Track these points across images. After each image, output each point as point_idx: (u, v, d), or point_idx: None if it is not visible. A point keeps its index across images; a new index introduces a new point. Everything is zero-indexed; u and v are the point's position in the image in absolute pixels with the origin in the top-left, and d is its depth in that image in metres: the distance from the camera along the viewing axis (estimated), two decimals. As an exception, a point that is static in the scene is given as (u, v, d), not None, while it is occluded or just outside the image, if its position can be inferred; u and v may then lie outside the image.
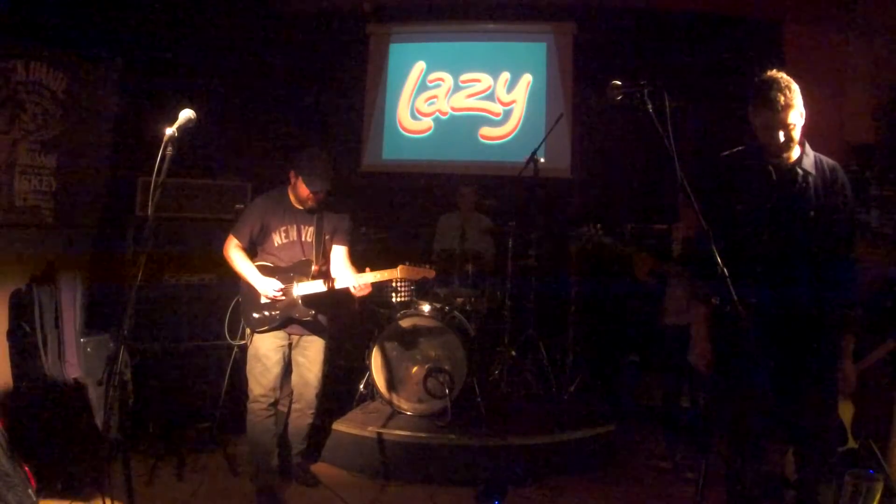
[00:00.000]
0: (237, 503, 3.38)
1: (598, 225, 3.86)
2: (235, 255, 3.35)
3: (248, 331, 3.42)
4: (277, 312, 3.32)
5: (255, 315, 3.34)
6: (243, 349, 3.47)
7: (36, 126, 4.14)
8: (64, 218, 4.37)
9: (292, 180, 3.35)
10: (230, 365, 3.66)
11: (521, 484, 3.61)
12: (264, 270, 3.34)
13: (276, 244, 3.40)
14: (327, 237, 3.46)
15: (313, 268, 3.37)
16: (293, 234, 3.41)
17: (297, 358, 3.48)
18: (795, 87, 2.32)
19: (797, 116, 2.33)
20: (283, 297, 3.29)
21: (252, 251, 3.43)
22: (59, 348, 3.73)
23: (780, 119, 2.30)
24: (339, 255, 3.50)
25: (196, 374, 4.14)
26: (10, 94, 3.96)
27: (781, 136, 2.32)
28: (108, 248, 4.44)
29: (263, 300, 3.31)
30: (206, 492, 3.47)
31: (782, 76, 2.33)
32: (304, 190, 3.28)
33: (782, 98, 2.27)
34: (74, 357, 3.75)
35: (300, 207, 3.39)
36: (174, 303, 4.22)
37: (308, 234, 3.42)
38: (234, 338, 3.62)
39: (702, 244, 2.16)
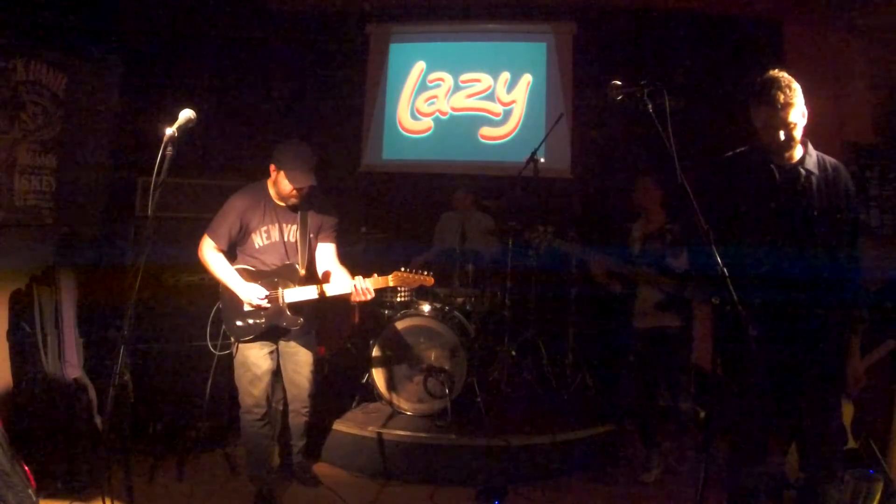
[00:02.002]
0: (237, 503, 3.38)
1: (550, 228, 3.75)
2: (213, 258, 3.10)
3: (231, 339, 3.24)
4: (263, 321, 3.11)
5: (239, 323, 3.13)
6: (227, 357, 3.35)
7: (36, 126, 4.14)
8: (64, 218, 4.37)
9: (273, 175, 3.09)
10: (212, 371, 3.59)
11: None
12: (245, 275, 3.12)
13: (256, 246, 3.16)
14: (312, 236, 3.23)
15: (300, 272, 3.15)
16: (275, 235, 3.17)
17: (286, 363, 3.33)
18: (796, 86, 2.32)
19: (798, 115, 2.33)
20: (269, 305, 3.08)
21: (231, 253, 3.21)
22: (59, 348, 3.72)
23: (781, 117, 2.30)
24: (326, 253, 3.27)
25: (196, 374, 4.13)
26: (10, 94, 3.96)
27: (782, 134, 2.32)
28: (108, 248, 4.44)
29: (247, 307, 3.10)
30: (205, 492, 3.47)
31: (783, 75, 2.33)
32: (286, 186, 3.04)
33: (782, 96, 2.28)
34: (74, 357, 3.75)
35: (282, 204, 3.16)
36: (174, 303, 4.21)
37: (291, 233, 3.19)
38: (214, 342, 3.39)
39: (702, 245, 2.15)
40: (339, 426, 3.93)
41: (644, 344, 3.68)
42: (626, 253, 3.72)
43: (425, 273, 3.14)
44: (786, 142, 2.34)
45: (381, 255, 5.07)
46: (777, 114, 2.30)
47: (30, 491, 2.88)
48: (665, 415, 3.79)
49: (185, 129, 2.27)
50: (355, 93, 6.30)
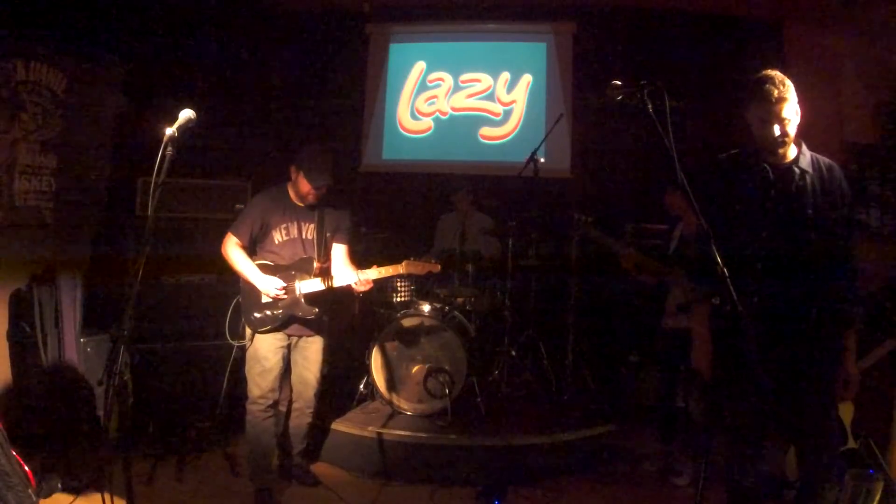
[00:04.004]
0: (237, 503, 3.38)
1: (589, 219, 3.91)
2: (235, 253, 3.31)
3: (248, 331, 3.38)
4: (280, 311, 3.30)
5: (257, 315, 3.31)
6: (243, 349, 3.44)
7: (36, 126, 4.14)
8: (64, 218, 4.37)
9: (293, 176, 3.32)
10: (230, 364, 3.64)
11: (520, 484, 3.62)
12: (265, 269, 3.31)
13: (276, 241, 3.37)
14: (328, 234, 3.44)
15: (315, 265, 3.34)
16: (294, 232, 3.37)
17: (296, 358, 3.46)
18: (790, 83, 2.34)
19: (792, 112, 2.34)
20: (286, 296, 3.27)
21: (251, 249, 3.40)
22: (59, 348, 3.73)
23: (775, 111, 2.31)
24: (339, 253, 3.47)
25: (196, 374, 4.13)
26: (10, 94, 3.96)
27: (776, 129, 2.33)
28: (108, 248, 4.44)
29: (265, 299, 3.28)
30: (206, 492, 3.47)
31: (777, 73, 2.35)
32: (304, 185, 3.26)
33: (776, 91, 2.30)
34: (74, 357, 3.75)
35: (300, 204, 3.37)
36: (174, 303, 4.21)
37: (309, 231, 3.39)
38: (234, 338, 3.56)
39: (701, 244, 2.16)
40: (339, 426, 3.93)
41: (669, 344, 3.70)
42: (661, 251, 3.82)
43: (433, 260, 3.37)
44: (780, 137, 2.34)
45: (382, 255, 5.07)
46: (771, 108, 2.31)
47: (30, 491, 2.88)
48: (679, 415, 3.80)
49: (185, 129, 2.27)
50: (355, 93, 6.30)
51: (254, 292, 3.29)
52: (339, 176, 3.38)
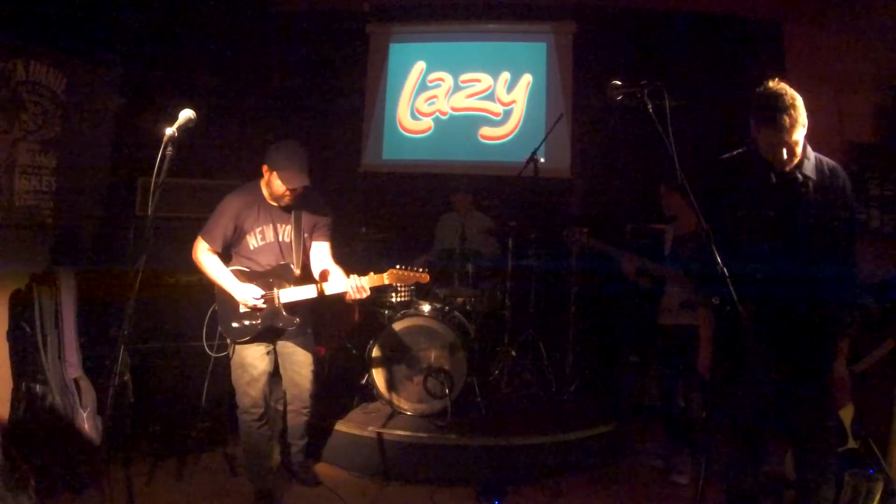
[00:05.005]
0: (237, 503, 3.38)
1: (585, 229, 3.95)
2: (208, 260, 3.11)
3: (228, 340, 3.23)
4: (259, 322, 3.11)
5: (235, 325, 3.13)
6: (223, 358, 3.33)
7: (36, 126, 4.14)
8: (64, 218, 4.37)
9: (266, 175, 3.09)
10: (209, 369, 3.55)
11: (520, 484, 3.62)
12: (240, 276, 3.12)
13: (251, 247, 3.16)
14: (306, 235, 3.24)
15: (295, 272, 3.15)
16: (270, 235, 3.17)
17: (285, 363, 3.33)
18: (800, 101, 2.28)
19: (801, 132, 2.31)
20: (265, 306, 3.09)
21: (225, 254, 3.20)
22: (59, 348, 3.72)
23: (786, 139, 2.28)
24: (321, 251, 3.27)
25: (196, 374, 4.12)
26: (10, 94, 3.96)
27: (785, 153, 2.31)
28: (107, 248, 4.44)
29: (243, 309, 3.11)
30: (205, 492, 3.47)
31: (786, 91, 2.28)
32: (279, 187, 3.04)
33: (788, 119, 2.24)
34: (74, 357, 3.74)
35: (275, 204, 3.16)
36: (174, 303, 4.21)
37: (286, 233, 3.19)
38: (212, 345, 3.35)
39: (701, 244, 2.15)
40: (339, 426, 3.93)
41: (669, 342, 3.71)
42: (658, 253, 3.83)
43: (421, 270, 3.10)
44: (788, 159, 2.33)
45: (381, 255, 5.07)
46: (782, 136, 2.27)
47: (30, 491, 2.88)
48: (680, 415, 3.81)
49: (185, 129, 2.27)
50: (355, 93, 6.30)
51: (230, 301, 3.10)
52: (321, 175, 3.17)
